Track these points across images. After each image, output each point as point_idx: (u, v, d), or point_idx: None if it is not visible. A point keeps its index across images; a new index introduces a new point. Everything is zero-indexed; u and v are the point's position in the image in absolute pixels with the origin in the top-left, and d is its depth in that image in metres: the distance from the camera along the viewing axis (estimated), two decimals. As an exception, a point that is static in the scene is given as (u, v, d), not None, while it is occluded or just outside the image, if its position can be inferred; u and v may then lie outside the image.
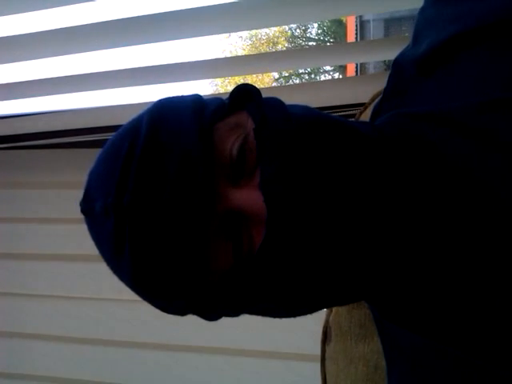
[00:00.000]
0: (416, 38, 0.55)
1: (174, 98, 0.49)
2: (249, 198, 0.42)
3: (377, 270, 0.44)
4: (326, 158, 0.42)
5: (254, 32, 12.46)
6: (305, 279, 0.42)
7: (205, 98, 0.50)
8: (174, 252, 0.42)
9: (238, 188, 0.43)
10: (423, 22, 0.55)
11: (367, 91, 0.83)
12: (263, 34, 12.76)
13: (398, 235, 0.43)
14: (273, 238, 0.40)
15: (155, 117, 0.45)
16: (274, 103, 0.48)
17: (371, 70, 7.98)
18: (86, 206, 0.46)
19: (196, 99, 0.48)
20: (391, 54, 1.07)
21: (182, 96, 0.49)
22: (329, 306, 0.49)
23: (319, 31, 13.11)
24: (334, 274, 0.43)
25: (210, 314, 0.49)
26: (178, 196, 0.41)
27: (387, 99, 0.57)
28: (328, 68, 12.05)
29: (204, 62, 1.16)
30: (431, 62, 0.51)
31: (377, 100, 0.61)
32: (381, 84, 0.62)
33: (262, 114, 0.45)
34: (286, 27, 12.73)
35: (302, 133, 0.44)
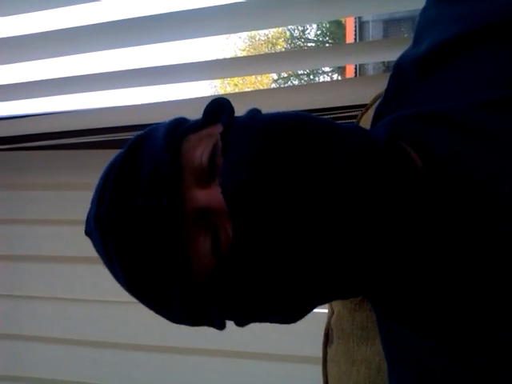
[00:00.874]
0: (417, 38, 0.55)
1: (158, 123, 0.52)
2: (212, 195, 0.43)
3: (358, 263, 0.43)
4: (285, 150, 0.42)
5: (252, 33, 12.47)
6: (280, 270, 0.42)
7: (190, 118, 0.52)
8: (153, 254, 0.43)
9: (206, 189, 0.45)
10: (424, 22, 0.56)
11: (366, 92, 0.83)
12: (262, 34, 12.78)
13: (375, 234, 0.42)
14: (238, 229, 0.41)
15: (137, 138, 0.49)
16: (250, 111, 0.50)
17: (370, 71, 7.98)
18: (87, 228, 0.50)
19: (175, 119, 0.51)
20: (390, 55, 1.07)
21: (167, 120, 0.52)
22: (315, 302, 0.48)
23: (318, 32, 13.13)
24: (308, 266, 0.42)
25: (211, 321, 0.49)
26: (148, 201, 0.43)
27: (388, 101, 0.57)
28: (327, 69, 12.06)
29: (203, 63, 1.17)
30: (431, 62, 0.51)
31: (378, 101, 0.61)
32: (380, 85, 0.62)
33: (230, 120, 0.47)
34: (285, 28, 12.74)
35: (264, 130, 0.45)
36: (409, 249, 0.44)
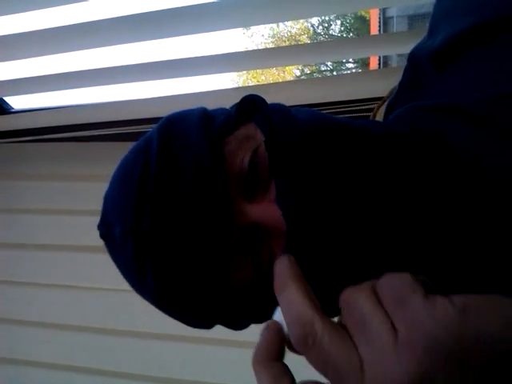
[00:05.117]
0: (432, 30, 0.54)
1: (180, 114, 0.49)
2: (266, 212, 0.42)
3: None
4: (337, 165, 0.42)
5: (275, 30, 12.47)
6: (328, 288, 0.41)
7: (210, 110, 0.50)
8: (195, 270, 0.42)
9: (255, 203, 0.43)
10: (439, 13, 0.55)
11: (390, 84, 0.82)
12: (285, 31, 12.75)
13: (416, 242, 0.42)
14: (293, 250, 0.40)
15: (164, 137, 0.45)
16: (281, 111, 0.47)
17: (394, 64, 7.89)
18: (105, 231, 0.46)
19: (202, 114, 0.47)
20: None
21: (188, 111, 0.49)
22: None
23: (342, 28, 13.03)
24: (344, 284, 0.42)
25: (236, 325, 0.49)
26: (195, 216, 0.41)
27: (402, 92, 0.57)
28: (350, 66, 11.97)
29: (225, 55, 1.17)
30: (446, 54, 0.50)
31: (393, 94, 0.60)
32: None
33: (271, 126, 0.45)
34: (309, 24, 12.70)
35: (312, 141, 0.43)
36: (430, 248, 0.43)
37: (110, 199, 0.47)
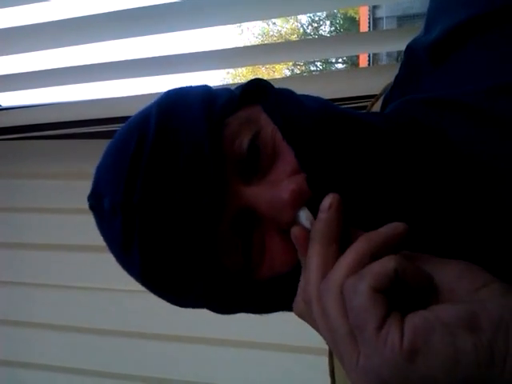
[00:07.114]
0: (428, 24, 0.54)
1: (182, 90, 0.48)
2: (261, 195, 0.41)
3: None
4: (347, 156, 0.41)
5: (265, 29, 12.48)
6: None
7: (214, 88, 0.49)
8: (183, 249, 0.41)
9: (251, 185, 0.42)
10: (435, 7, 0.54)
11: (380, 82, 0.82)
12: (275, 31, 12.77)
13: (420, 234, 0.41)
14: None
15: (163, 112, 0.44)
16: (289, 97, 0.47)
17: (384, 62, 7.91)
18: (94, 202, 0.45)
19: (205, 91, 0.46)
20: (404, 45, 1.05)
21: (191, 88, 0.48)
22: None
23: (331, 29, 13.06)
24: None
25: (222, 310, 0.49)
26: (188, 195, 0.40)
27: (399, 86, 0.57)
28: (340, 66, 12.02)
29: (216, 52, 1.16)
30: (443, 48, 0.50)
31: (388, 89, 0.60)
32: (393, 75, 0.61)
33: (281, 111, 0.44)
34: (298, 24, 12.73)
35: (324, 134, 0.42)
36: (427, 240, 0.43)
37: (101, 170, 0.46)
